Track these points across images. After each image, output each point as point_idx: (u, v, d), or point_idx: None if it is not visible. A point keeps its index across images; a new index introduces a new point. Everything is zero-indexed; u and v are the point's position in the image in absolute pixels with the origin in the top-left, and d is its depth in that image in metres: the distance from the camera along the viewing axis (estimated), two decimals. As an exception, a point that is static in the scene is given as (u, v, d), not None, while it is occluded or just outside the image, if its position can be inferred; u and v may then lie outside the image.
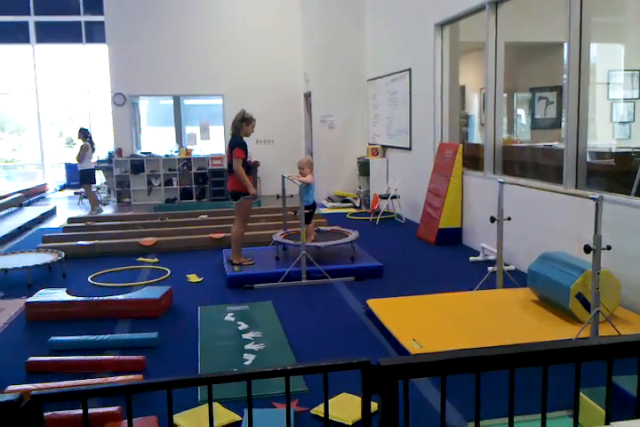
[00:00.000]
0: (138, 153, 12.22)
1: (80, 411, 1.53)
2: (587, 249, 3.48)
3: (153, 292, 4.83)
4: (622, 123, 7.63)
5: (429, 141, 7.86)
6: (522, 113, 9.06)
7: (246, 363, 3.68)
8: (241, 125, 5.76)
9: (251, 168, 5.88)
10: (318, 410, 3.00)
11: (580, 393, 2.09)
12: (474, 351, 1.58)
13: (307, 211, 5.87)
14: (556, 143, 6.56)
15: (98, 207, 10.18)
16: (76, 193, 12.45)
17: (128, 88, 12.06)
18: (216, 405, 3.00)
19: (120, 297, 4.76)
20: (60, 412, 2.77)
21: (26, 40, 13.78)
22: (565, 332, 3.79)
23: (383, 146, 9.95)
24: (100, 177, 12.04)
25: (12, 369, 3.66)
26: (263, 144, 12.13)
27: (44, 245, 6.90)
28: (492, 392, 2.46)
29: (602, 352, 1.64)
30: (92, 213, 9.89)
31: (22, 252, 6.45)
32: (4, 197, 10.69)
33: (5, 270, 5.69)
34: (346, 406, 3.00)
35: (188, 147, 12.40)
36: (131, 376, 3.35)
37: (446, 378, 1.57)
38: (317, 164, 10.87)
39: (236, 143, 5.73)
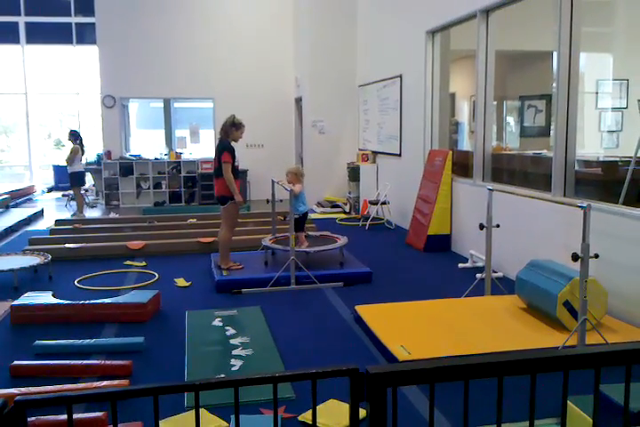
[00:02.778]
0: (127, 156, 12.17)
1: (65, 416, 1.51)
2: (574, 257, 3.50)
3: (140, 296, 4.80)
4: (610, 132, 7.69)
5: (419, 148, 7.89)
6: (511, 121, 9.11)
7: (234, 368, 3.66)
8: (230, 130, 5.77)
9: (238, 172, 5.88)
10: (306, 417, 2.99)
11: (568, 401, 2.10)
12: (463, 359, 1.58)
13: (297, 217, 5.87)
14: (544, 151, 6.59)
15: (82, 213, 10.06)
16: (63, 195, 12.37)
17: (118, 90, 12.02)
18: (203, 411, 2.98)
19: (107, 301, 4.72)
20: (45, 417, 2.74)
21: (15, 40, 13.72)
22: (553, 339, 3.80)
23: (373, 152, 9.97)
24: (88, 179, 11.96)
25: (-4, 373, 3.62)
26: (253, 148, 12.12)
27: (31, 247, 6.84)
28: (480, 400, 2.46)
29: (590, 361, 1.65)
30: (79, 216, 9.81)
31: (8, 254, 6.39)
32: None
33: (-9, 273, 5.64)
34: (334, 412, 2.99)
35: (178, 150, 12.36)
36: (117, 381, 3.32)
37: (435, 386, 1.57)
38: (307, 169, 10.86)
39: (224, 147, 5.73)
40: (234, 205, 5.78)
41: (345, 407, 3.01)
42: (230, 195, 5.72)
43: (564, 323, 3.96)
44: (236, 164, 5.89)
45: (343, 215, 10.06)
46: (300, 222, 6.09)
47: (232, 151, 5.75)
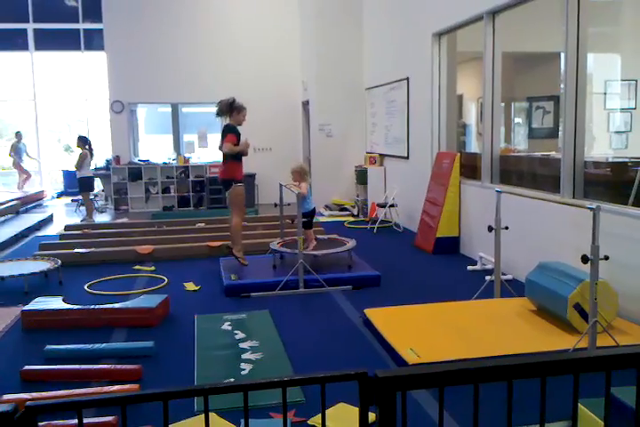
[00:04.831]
0: (136, 161, 12.22)
1: (75, 421, 1.52)
2: (584, 259, 3.48)
3: (150, 300, 4.81)
4: (619, 133, 7.66)
5: (427, 150, 7.88)
6: (519, 122, 9.08)
7: (243, 373, 3.66)
8: (231, 113, 5.85)
9: (241, 156, 5.97)
10: (315, 420, 2.98)
11: (579, 404, 2.09)
12: (472, 363, 1.58)
13: (304, 219, 5.87)
14: (553, 153, 6.57)
15: (92, 218, 10.10)
16: (73, 200, 12.43)
17: (126, 96, 12.08)
18: (213, 415, 2.98)
19: (117, 305, 4.74)
20: (56, 422, 2.75)
21: (24, 47, 13.80)
22: (563, 342, 3.78)
23: (381, 154, 9.97)
24: (97, 185, 12.02)
25: (8, 378, 3.64)
26: (261, 152, 12.14)
27: (41, 252, 6.88)
28: (490, 403, 2.45)
29: (601, 364, 1.64)
30: (88, 221, 9.85)
31: (19, 259, 6.43)
32: (1, 204, 10.67)
33: (2, 278, 5.67)
34: (343, 416, 2.99)
35: (186, 155, 12.40)
36: (127, 386, 3.33)
37: (444, 389, 1.56)
38: (315, 172, 10.88)
39: (229, 130, 5.90)
40: (238, 187, 5.87)
41: (354, 411, 2.99)
42: (235, 177, 5.86)
43: (575, 325, 3.94)
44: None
45: (351, 218, 10.06)
46: (308, 219, 6.10)
47: (237, 134, 5.89)
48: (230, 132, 5.84)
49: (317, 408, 2.95)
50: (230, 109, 5.88)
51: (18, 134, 13.55)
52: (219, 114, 5.96)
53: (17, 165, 13.58)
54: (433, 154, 7.68)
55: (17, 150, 13.46)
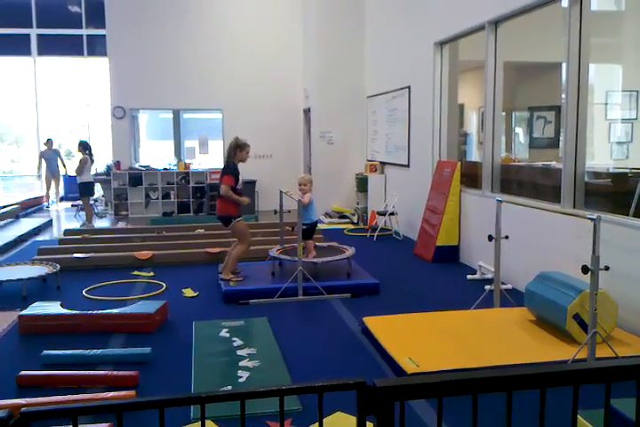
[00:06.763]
0: (136, 166, 12.23)
1: (70, 428, 1.51)
2: (584, 270, 3.47)
3: (148, 306, 4.80)
4: (620, 143, 7.66)
5: (428, 159, 7.88)
6: (520, 132, 9.09)
7: (240, 380, 3.64)
8: (235, 152, 5.84)
9: (239, 194, 5.92)
10: (312, 429, 2.96)
11: (578, 416, 2.07)
12: (471, 373, 1.57)
13: (305, 227, 5.86)
14: (553, 162, 6.57)
15: (92, 223, 10.07)
16: (73, 205, 12.42)
17: (128, 101, 12.11)
18: (209, 423, 2.96)
19: (114, 311, 4.73)
20: (51, 428, 2.73)
21: (27, 52, 13.87)
22: (562, 352, 3.76)
23: (382, 162, 9.97)
24: (97, 190, 12.02)
25: (4, 383, 3.62)
26: (262, 159, 12.15)
27: (40, 257, 6.86)
28: (489, 414, 2.43)
29: (600, 375, 1.62)
30: (88, 226, 9.84)
31: (17, 264, 6.41)
32: (1, 208, 10.67)
33: (0, 282, 5.65)
34: (341, 425, 2.97)
35: (187, 161, 12.42)
36: (123, 392, 3.31)
37: (443, 399, 1.55)
38: (316, 179, 10.83)
39: (229, 170, 5.83)
40: (238, 223, 5.83)
41: (352, 420, 2.98)
42: (233, 213, 5.81)
43: (574, 336, 3.92)
44: (238, 187, 5.93)
45: (351, 226, 10.05)
46: (310, 231, 6.09)
47: (236, 175, 5.84)
48: (229, 174, 5.79)
49: (314, 417, 2.93)
50: (234, 149, 5.87)
51: (49, 142, 12.76)
52: (229, 156, 5.93)
53: (47, 173, 12.89)
54: (434, 162, 7.69)
55: (46, 158, 12.74)
